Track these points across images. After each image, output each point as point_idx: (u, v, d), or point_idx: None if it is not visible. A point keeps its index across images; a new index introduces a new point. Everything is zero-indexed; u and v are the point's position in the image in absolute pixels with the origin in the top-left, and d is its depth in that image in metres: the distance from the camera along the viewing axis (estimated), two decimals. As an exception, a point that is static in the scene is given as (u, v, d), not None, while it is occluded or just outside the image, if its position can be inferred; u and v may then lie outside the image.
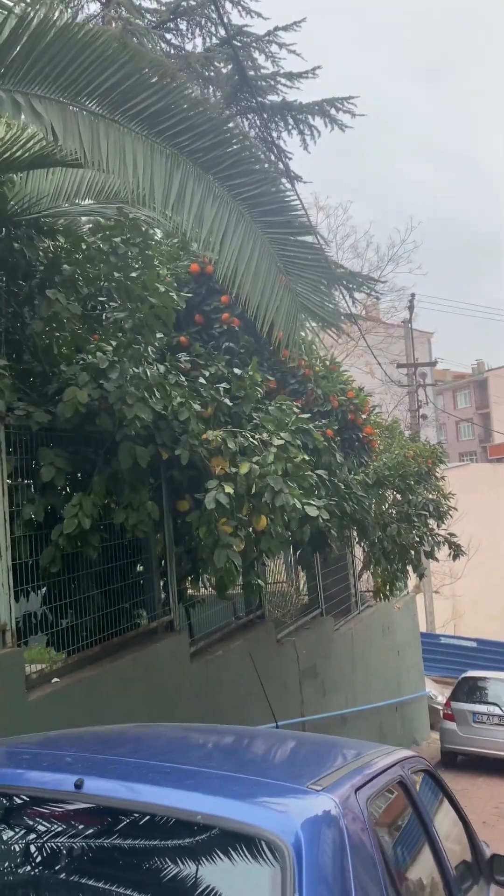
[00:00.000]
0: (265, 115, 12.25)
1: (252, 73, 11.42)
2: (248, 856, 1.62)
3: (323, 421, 6.41)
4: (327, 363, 7.29)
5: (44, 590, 5.33)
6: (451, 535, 10.67)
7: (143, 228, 4.66)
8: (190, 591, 7.55)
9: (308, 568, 8.68)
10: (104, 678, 5.22)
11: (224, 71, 11.65)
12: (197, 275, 6.01)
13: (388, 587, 10.41)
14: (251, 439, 4.77)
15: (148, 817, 1.73)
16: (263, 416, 5.14)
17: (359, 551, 11.96)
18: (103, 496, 4.86)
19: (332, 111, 12.10)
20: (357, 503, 8.96)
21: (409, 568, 10.01)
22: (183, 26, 13.20)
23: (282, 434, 4.82)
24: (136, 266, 4.37)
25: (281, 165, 12.59)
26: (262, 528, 5.87)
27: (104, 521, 5.34)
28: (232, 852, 1.65)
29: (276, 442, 4.75)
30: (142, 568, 6.31)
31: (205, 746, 2.42)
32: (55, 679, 4.90)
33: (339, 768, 2.07)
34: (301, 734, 3.78)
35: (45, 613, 5.35)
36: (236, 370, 5.32)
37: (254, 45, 12.61)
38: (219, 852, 1.67)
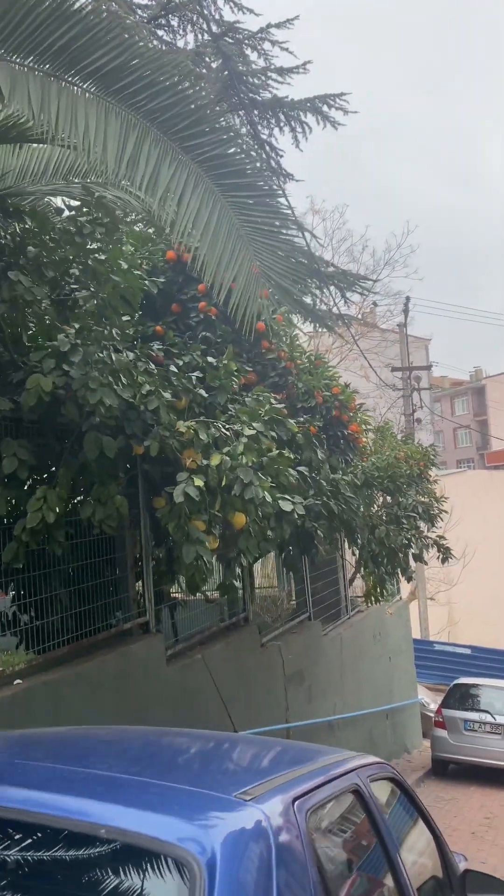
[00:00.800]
0: (256, 112, 12.09)
1: (242, 68, 11.25)
2: (156, 875, 1.42)
3: (304, 417, 6.19)
4: (312, 358, 7.08)
5: (12, 589, 5.13)
6: (441, 537, 10.46)
7: (116, 212, 4.47)
8: (175, 594, 7.34)
9: (295, 571, 8.47)
10: (71, 681, 5.00)
11: (214, 66, 11.50)
12: (173, 263, 5.80)
13: (377, 590, 10.19)
14: (223, 430, 4.56)
15: (43, 830, 1.52)
16: (239, 407, 4.93)
17: (350, 556, 11.76)
18: (69, 489, 4.65)
19: (325, 108, 11.94)
20: (345, 504, 8.76)
21: (398, 571, 9.79)
22: (175, 22, 13.10)
23: (254, 424, 4.61)
24: (103, 247, 4.17)
25: (273, 163, 12.43)
26: (240, 527, 5.66)
27: (73, 516, 5.14)
28: (138, 871, 1.44)
29: (248, 432, 4.54)
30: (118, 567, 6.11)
31: (137, 750, 2.19)
32: (17, 681, 4.69)
33: (280, 776, 1.86)
34: (258, 738, 3.54)
35: (16, 613, 5.15)
36: (211, 359, 5.11)
37: (246, 41, 12.47)
38: (122, 870, 1.46)
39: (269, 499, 4.38)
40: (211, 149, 3.73)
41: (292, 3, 15.82)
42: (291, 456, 5.84)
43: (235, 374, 5.18)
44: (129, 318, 4.54)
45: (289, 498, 4.84)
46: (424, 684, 17.36)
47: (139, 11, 12.63)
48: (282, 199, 4.67)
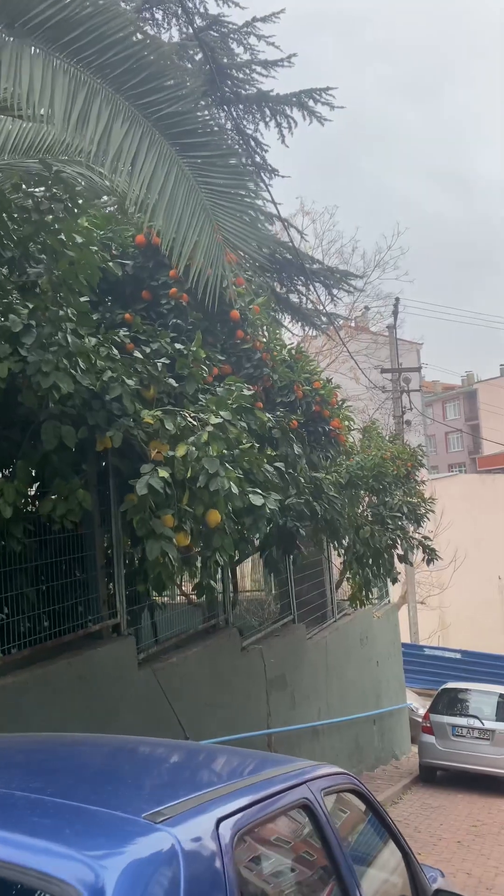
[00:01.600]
0: (241, 107, 11.89)
1: (226, 60, 11.04)
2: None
3: (282, 411, 5.94)
4: (293, 352, 6.84)
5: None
6: (426, 538, 10.24)
7: (77, 188, 4.23)
8: (158, 597, 7.09)
9: (277, 572, 8.22)
10: (31, 684, 4.74)
11: (198, 58, 11.30)
12: (143, 247, 5.53)
13: (363, 592, 9.96)
14: (188, 419, 4.31)
15: None
16: (210, 397, 4.68)
17: (336, 557, 11.53)
18: (28, 483, 4.41)
19: (311, 103, 11.74)
20: (328, 503, 8.53)
21: (383, 572, 9.56)
22: (159, 16, 12.91)
23: (221, 413, 4.36)
24: (62, 225, 3.94)
25: (258, 158, 12.23)
26: (215, 524, 5.43)
27: (38, 512, 4.89)
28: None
29: (213, 420, 4.29)
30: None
31: (42, 761, 1.91)
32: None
33: (208, 791, 1.61)
34: (200, 747, 3.24)
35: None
36: (179, 346, 4.86)
37: (231, 35, 12.28)
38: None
39: (235, 490, 4.13)
40: (166, 106, 3.48)
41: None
42: (270, 452, 5.60)
43: (206, 362, 4.94)
44: (87, 300, 4.31)
45: (260, 493, 4.60)
46: (414, 689, 17.11)
47: (123, 4, 12.44)
48: (246, 165, 4.42)
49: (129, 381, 4.20)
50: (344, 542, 9.59)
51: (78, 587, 5.73)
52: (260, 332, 5.69)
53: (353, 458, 9.88)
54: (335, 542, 9.25)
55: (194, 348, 4.84)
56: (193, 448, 4.09)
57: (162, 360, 4.67)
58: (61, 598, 5.59)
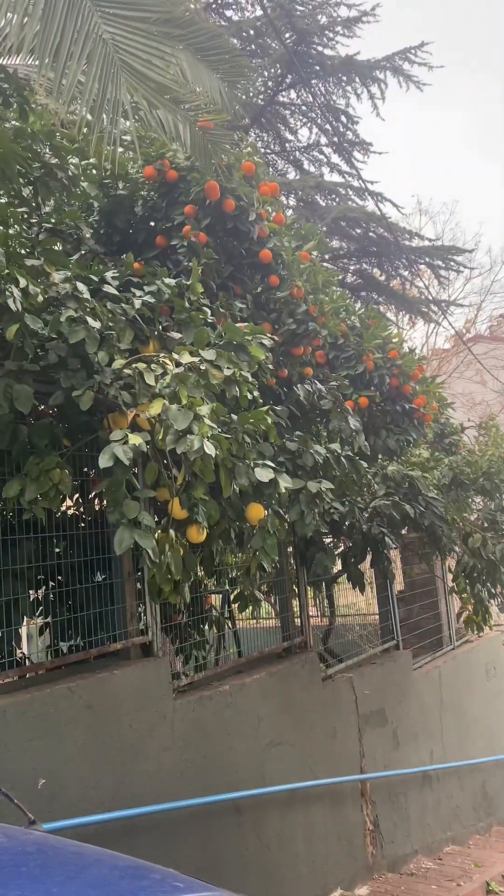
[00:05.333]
0: (330, 80, 10.88)
1: (307, 24, 10.09)
2: None
3: (334, 377, 4.72)
4: (363, 316, 5.60)
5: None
6: None
7: (25, 91, 3.36)
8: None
9: (361, 587, 6.99)
10: (20, 712, 3.85)
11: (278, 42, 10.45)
12: (154, 182, 4.59)
13: (479, 615, 8.44)
14: (165, 364, 3.25)
15: None
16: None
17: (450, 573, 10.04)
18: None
19: (405, 66, 10.54)
20: (425, 506, 7.20)
21: (501, 589, 8.01)
22: (242, -1, 12.23)
23: (201, 352, 3.27)
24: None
25: (350, 135, 11.15)
26: (256, 521, 4.38)
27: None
28: None
29: (185, 359, 3.21)
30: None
31: None
32: None
33: None
34: (31, 841, 1.85)
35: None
36: (168, 280, 3.83)
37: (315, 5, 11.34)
38: None
39: (211, 451, 3.00)
40: None
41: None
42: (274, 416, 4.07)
43: (218, 308, 3.86)
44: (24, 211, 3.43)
45: (271, 466, 3.47)
46: None
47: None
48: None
49: (95, 324, 3.23)
50: (452, 554, 8.18)
51: (97, 595, 4.84)
52: (302, 279, 4.53)
53: (467, 455, 8.48)
54: (441, 555, 7.86)
55: (190, 282, 3.79)
56: (170, 404, 3.05)
57: (147, 297, 3.65)
58: (75, 607, 4.72)
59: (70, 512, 4.82)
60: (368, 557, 7.56)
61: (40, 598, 4.49)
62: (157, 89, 2.77)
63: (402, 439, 5.38)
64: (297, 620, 6.95)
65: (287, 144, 11.42)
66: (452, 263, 10.46)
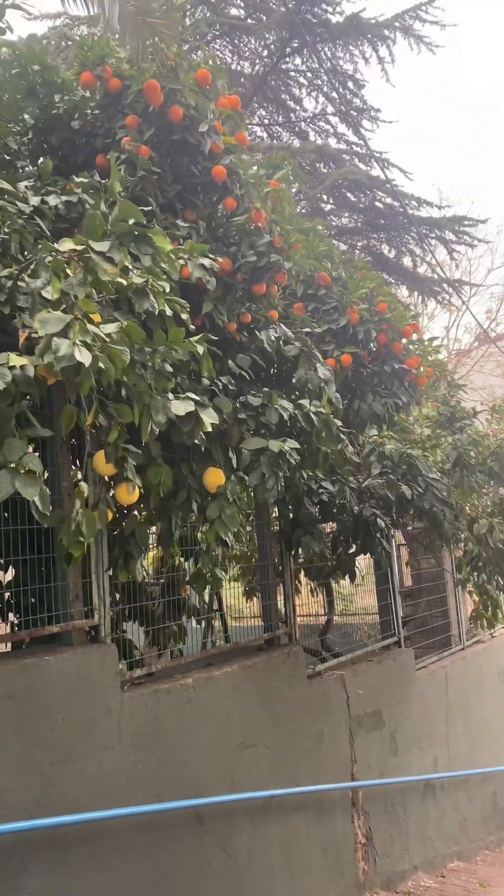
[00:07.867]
0: (338, 43, 10.23)
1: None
2: None
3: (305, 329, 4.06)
4: (350, 266, 4.92)
5: None
6: None
7: None
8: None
9: (353, 577, 6.35)
10: None
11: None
12: (94, 90, 3.97)
13: (489, 611, 7.73)
14: (57, 253, 2.55)
15: None
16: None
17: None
18: None
19: (416, 26, 9.87)
20: (425, 488, 6.55)
21: (510, 581, 7.30)
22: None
23: (92, 243, 2.62)
24: None
25: (358, 101, 10.50)
26: (214, 489, 3.80)
27: None
28: None
29: (65, 247, 2.56)
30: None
31: None
32: None
33: None
34: None
35: None
36: (80, 178, 3.18)
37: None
38: None
39: (85, 360, 2.32)
40: None
41: None
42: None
43: (124, 196, 3.14)
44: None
45: (194, 398, 2.81)
46: None
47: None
48: None
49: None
50: (460, 544, 7.50)
51: (39, 572, 4.27)
52: (269, 209, 3.88)
53: (472, 437, 7.79)
54: (445, 543, 7.18)
55: (109, 181, 3.12)
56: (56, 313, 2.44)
57: (57, 203, 3.04)
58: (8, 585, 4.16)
59: None
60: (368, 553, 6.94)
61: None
62: None
63: (391, 403, 4.73)
64: (283, 610, 6.33)
65: (292, 115, 10.83)
66: (465, 237, 9.75)
